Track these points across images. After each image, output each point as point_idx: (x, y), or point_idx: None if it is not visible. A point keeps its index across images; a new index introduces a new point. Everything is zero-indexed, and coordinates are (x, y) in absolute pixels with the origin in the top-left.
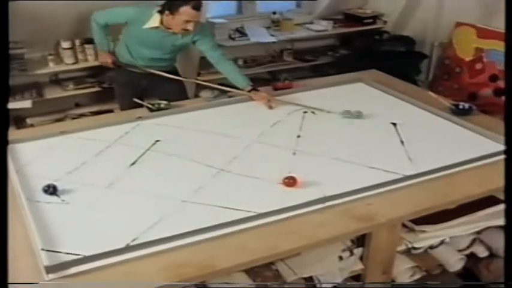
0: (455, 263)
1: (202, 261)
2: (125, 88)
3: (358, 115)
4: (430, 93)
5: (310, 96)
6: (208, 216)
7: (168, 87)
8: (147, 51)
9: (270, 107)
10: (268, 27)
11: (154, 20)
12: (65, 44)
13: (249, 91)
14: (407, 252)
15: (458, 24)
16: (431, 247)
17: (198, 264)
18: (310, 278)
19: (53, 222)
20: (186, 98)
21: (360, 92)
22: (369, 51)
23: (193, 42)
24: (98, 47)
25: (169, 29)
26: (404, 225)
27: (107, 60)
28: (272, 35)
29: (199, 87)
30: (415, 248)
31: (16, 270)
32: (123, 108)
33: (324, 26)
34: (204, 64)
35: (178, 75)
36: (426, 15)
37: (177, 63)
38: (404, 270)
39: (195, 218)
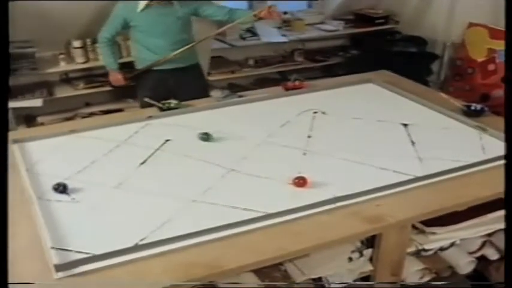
0: (465, 265)
1: (211, 261)
2: (151, 92)
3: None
4: (441, 94)
5: (320, 96)
6: (217, 216)
7: (192, 86)
8: (159, 40)
9: (275, 17)
10: (279, 27)
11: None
12: (76, 43)
13: (255, 15)
14: (417, 254)
15: (471, 25)
16: (442, 249)
17: (207, 264)
18: (319, 279)
19: (63, 221)
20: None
21: (370, 93)
22: (380, 51)
23: (197, 14)
24: (108, 67)
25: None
26: (414, 227)
27: (117, 77)
28: (283, 35)
29: (210, 88)
30: (425, 250)
31: (24, 268)
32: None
33: (335, 26)
34: (214, 64)
35: (201, 71)
36: (438, 15)
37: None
38: (414, 272)
39: (204, 218)
